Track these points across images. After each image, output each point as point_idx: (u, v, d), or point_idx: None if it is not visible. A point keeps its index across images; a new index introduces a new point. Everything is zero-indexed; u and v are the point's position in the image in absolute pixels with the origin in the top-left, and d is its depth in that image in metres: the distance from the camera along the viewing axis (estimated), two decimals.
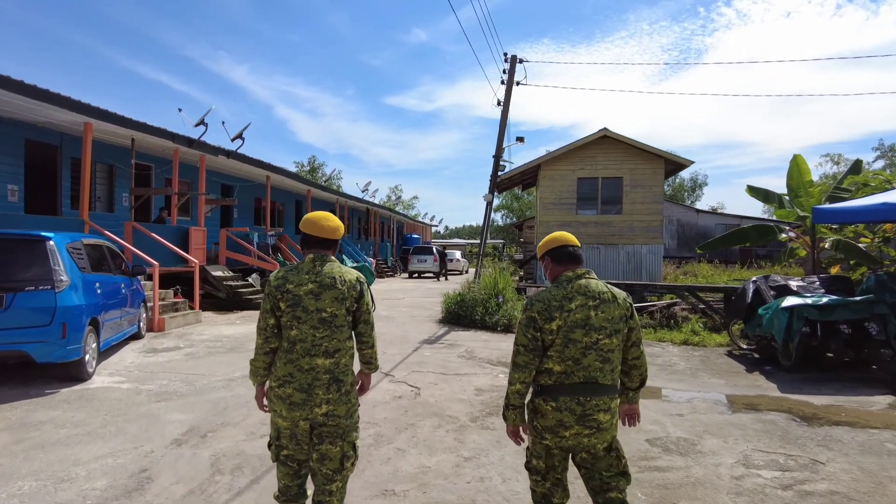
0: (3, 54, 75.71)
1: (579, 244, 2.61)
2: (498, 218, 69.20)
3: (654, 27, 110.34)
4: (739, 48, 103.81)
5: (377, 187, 31.97)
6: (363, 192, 29.42)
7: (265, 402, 2.66)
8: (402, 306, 14.32)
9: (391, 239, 38.50)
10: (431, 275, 29.42)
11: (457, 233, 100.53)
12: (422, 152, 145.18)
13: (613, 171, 17.40)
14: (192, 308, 11.33)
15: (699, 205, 55.87)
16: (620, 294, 2.47)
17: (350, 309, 2.54)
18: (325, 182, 27.09)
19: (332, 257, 2.61)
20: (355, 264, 22.63)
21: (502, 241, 64.82)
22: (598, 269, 17.27)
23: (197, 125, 12.15)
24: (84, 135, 9.95)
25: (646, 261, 17.30)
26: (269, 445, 2.63)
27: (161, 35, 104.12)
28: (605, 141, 17.37)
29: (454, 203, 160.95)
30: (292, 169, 26.16)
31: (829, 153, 60.41)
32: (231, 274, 14.55)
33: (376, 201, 31.37)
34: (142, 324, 8.93)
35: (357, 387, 2.68)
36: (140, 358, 7.44)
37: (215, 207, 17.05)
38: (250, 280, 14.85)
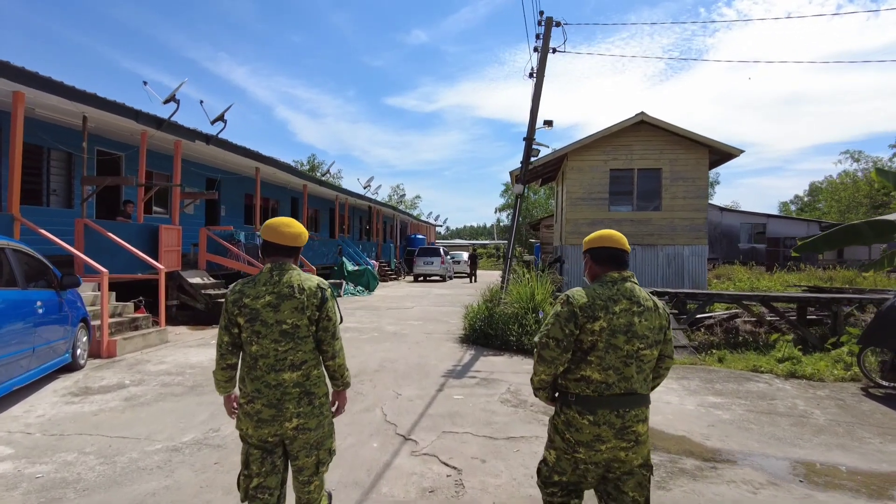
0: (4, 55, 73.88)
1: (628, 248, 2.41)
2: (503, 217, 67.05)
3: (655, 28, 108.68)
4: (740, 48, 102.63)
5: (379, 184, 29.71)
6: (365, 188, 27.28)
7: (234, 405, 2.50)
8: (413, 318, 12.19)
9: (395, 240, 36.37)
10: (439, 277, 27.30)
11: (458, 233, 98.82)
12: (422, 153, 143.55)
13: (651, 162, 15.29)
14: (156, 324, 9.20)
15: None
16: (660, 303, 2.36)
17: (312, 318, 2.38)
18: (322, 176, 24.86)
19: (293, 265, 2.47)
20: (357, 268, 20.52)
21: (507, 241, 62.75)
22: (633, 272, 15.10)
23: (166, 102, 10.02)
24: (14, 107, 7.83)
25: (688, 264, 15.17)
26: (238, 482, 2.42)
27: (162, 36, 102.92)
28: (642, 127, 15.25)
29: (455, 204, 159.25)
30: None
31: (849, 150, 58.09)
32: (212, 280, 12.44)
33: (379, 199, 29.22)
34: (79, 350, 6.81)
35: (329, 399, 2.55)
36: (59, 406, 5.31)
37: (194, 202, 14.96)
38: None
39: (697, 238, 15.16)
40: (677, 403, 5.67)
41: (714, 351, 8.82)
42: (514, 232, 10.10)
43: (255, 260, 13.91)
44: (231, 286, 2.46)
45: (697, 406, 5.57)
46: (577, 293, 2.28)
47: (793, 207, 71.99)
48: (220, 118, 11.73)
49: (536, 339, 2.31)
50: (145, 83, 10.08)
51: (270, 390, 2.32)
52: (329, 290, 2.48)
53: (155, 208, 14.60)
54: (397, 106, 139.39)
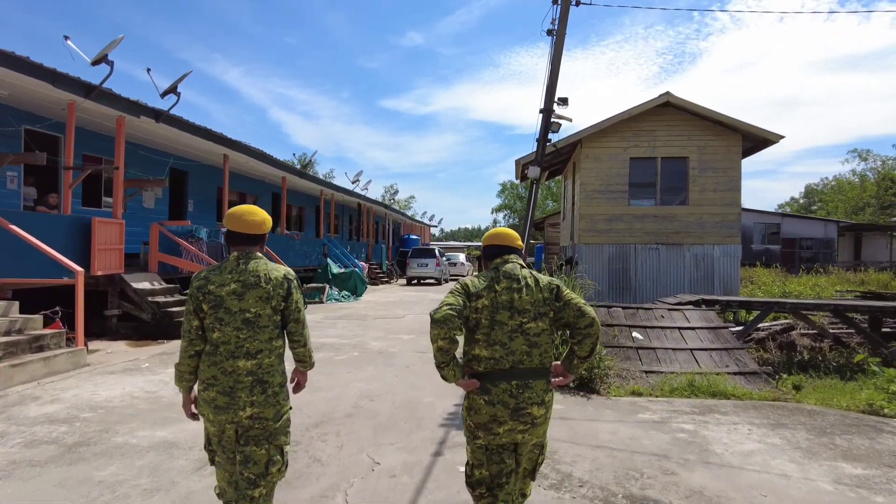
0: None
1: (517, 245, 2.57)
2: (500, 218, 65.17)
3: (650, 31, 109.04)
4: (734, 52, 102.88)
5: (370, 178, 27.56)
6: (353, 183, 25.21)
7: (193, 408, 2.50)
8: (404, 331, 10.19)
9: (387, 240, 34.38)
10: (434, 281, 25.32)
11: (453, 235, 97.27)
12: (417, 155, 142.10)
13: (677, 150, 13.40)
14: (71, 341, 7.18)
15: None
16: (544, 279, 2.46)
17: (277, 308, 2.42)
18: (304, 168, 22.56)
19: (259, 254, 2.49)
20: (343, 270, 18.50)
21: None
22: (657, 276, 13.27)
23: (95, 63, 8.00)
24: None
25: (719, 265, 13.28)
26: (206, 448, 2.51)
27: (156, 37, 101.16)
28: (667, 110, 13.37)
29: (450, 206, 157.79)
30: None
31: (857, 149, 56.77)
32: (164, 285, 10.42)
33: (369, 196, 27.18)
34: None
35: (291, 386, 2.63)
36: None
37: (154, 194, 12.96)
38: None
39: (730, 236, 13.27)
40: (800, 477, 3.72)
41: (784, 375, 6.91)
42: (529, 227, 8.14)
43: (219, 261, 11.91)
44: (197, 273, 2.45)
45: (835, 483, 3.62)
46: (467, 279, 2.47)
47: (788, 210, 70.89)
48: (172, 90, 9.73)
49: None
50: (66, 38, 8.05)
51: (226, 377, 2.32)
52: (296, 280, 2.50)
53: (106, 199, 12.58)
54: (392, 108, 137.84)
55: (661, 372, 6.45)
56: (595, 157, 13.54)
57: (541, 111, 8.14)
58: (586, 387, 5.89)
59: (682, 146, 13.37)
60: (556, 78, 7.93)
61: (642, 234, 13.39)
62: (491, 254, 2.57)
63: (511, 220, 63.24)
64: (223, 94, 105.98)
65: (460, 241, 75.81)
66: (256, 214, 2.46)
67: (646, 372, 6.47)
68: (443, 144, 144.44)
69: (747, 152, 14.00)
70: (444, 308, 2.29)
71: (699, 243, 13.30)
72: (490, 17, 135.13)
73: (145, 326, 9.61)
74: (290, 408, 2.52)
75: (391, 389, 5.87)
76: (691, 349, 6.96)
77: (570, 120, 8.09)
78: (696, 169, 13.32)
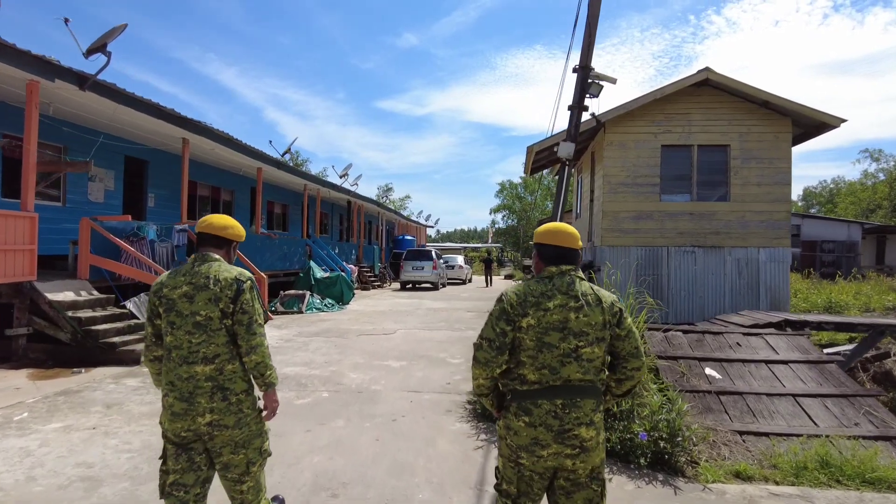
0: None
1: (578, 245, 2.20)
2: (498, 219, 63.10)
3: (646, 34, 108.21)
4: (730, 56, 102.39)
5: (360, 173, 25.67)
6: (342, 177, 23.05)
7: None
8: (393, 355, 8.10)
9: (380, 241, 32.29)
10: (430, 285, 23.23)
11: (449, 237, 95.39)
12: (412, 156, 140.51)
13: (716, 137, 11.43)
14: None
15: None
16: (608, 298, 2.12)
17: (226, 311, 2.29)
18: (283, 156, 20.17)
19: (216, 256, 2.39)
20: (328, 274, 16.41)
21: (500, 244, 58.46)
22: (693, 284, 11.28)
23: None
24: None
25: (766, 272, 11.30)
26: (160, 468, 2.34)
27: (150, 36, 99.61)
28: (704, 90, 11.40)
29: (445, 207, 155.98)
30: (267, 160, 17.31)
31: (868, 149, 55.21)
32: (95, 295, 8.34)
33: (361, 193, 25.05)
34: None
35: (253, 395, 2.39)
36: None
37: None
38: (129, 307, 8.60)
39: (777, 238, 11.30)
40: None
41: None
42: (560, 207, 6.12)
43: (171, 265, 9.83)
44: (159, 276, 2.38)
45: None
46: (511, 290, 2.16)
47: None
48: (100, 48, 7.66)
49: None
50: None
51: (183, 383, 2.24)
52: (248, 282, 2.36)
53: (50, 192, 10.50)
54: (388, 109, 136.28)
55: (763, 433, 4.42)
56: (621, 143, 11.53)
57: (575, 69, 6.12)
58: (665, 464, 3.84)
59: (723, 132, 11.40)
60: (595, 22, 5.91)
61: (676, 234, 11.40)
62: (548, 255, 2.16)
63: (510, 220, 61.15)
64: (218, 93, 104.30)
65: (457, 243, 73.83)
66: (226, 220, 2.45)
67: (740, 433, 4.44)
68: (438, 146, 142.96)
69: (797, 139, 12.03)
70: (485, 347, 2.07)
71: (742, 246, 11.33)
72: (486, 18, 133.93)
73: (64, 349, 7.54)
74: (261, 410, 2.41)
75: (365, 471, 3.80)
76: (794, 395, 4.93)
77: (614, 81, 6.08)
78: (739, 159, 11.35)
